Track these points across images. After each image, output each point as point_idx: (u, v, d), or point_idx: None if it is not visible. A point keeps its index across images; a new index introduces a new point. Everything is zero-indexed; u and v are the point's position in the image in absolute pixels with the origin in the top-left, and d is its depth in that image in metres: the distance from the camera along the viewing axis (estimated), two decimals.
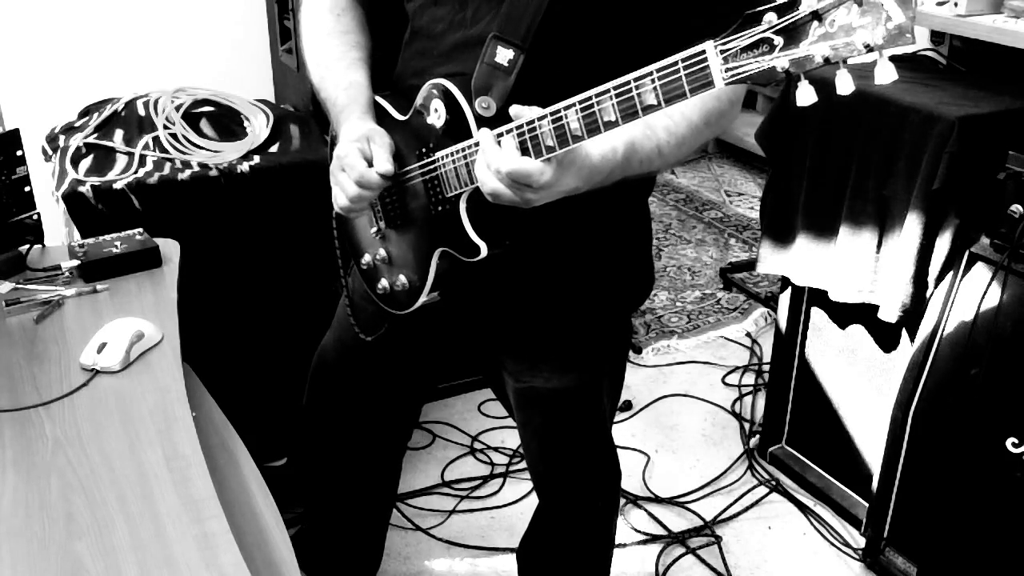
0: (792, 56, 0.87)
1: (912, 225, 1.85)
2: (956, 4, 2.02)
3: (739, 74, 0.90)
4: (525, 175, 1.06)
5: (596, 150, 1.11)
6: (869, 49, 0.84)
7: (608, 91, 1.00)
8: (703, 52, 0.92)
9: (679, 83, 0.94)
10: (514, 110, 1.09)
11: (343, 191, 1.28)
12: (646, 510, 2.33)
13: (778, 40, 0.87)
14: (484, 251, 1.21)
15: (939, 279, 1.86)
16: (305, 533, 1.83)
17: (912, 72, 2.10)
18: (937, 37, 2.29)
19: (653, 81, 0.96)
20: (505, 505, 2.35)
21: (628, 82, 0.99)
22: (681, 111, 1.18)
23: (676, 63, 0.94)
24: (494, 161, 1.08)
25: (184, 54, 3.06)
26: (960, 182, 1.78)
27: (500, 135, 1.10)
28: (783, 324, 2.34)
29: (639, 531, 2.27)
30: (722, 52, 0.90)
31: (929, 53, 2.25)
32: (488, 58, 1.19)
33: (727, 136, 4.59)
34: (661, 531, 2.27)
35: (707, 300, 3.37)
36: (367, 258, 1.43)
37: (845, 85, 0.88)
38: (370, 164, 1.25)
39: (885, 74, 0.86)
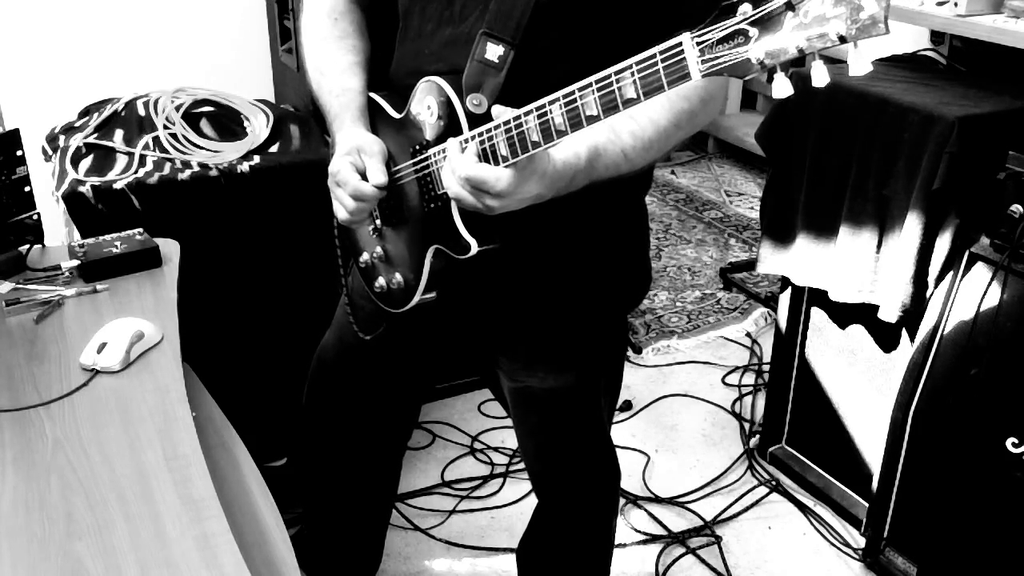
0: (767, 47, 0.87)
1: (912, 225, 1.85)
2: (956, 4, 2.02)
3: (715, 66, 0.90)
4: (481, 181, 1.09)
5: (559, 155, 1.13)
6: (843, 40, 0.84)
7: (590, 85, 1.01)
8: (680, 44, 0.92)
9: (657, 76, 0.94)
10: (495, 111, 1.10)
11: (342, 205, 1.30)
12: (646, 510, 2.33)
13: (753, 31, 0.87)
14: (474, 248, 1.22)
15: (939, 279, 1.86)
16: (305, 533, 1.83)
17: (912, 72, 2.10)
18: (937, 37, 2.29)
19: (633, 74, 0.97)
20: (505, 505, 2.35)
21: (609, 76, 0.99)
22: (648, 115, 1.18)
23: (654, 56, 0.95)
24: (457, 167, 1.11)
25: (184, 54, 3.07)
26: (960, 182, 1.78)
27: (466, 140, 1.13)
28: (783, 324, 2.35)
29: (639, 531, 2.27)
30: (698, 44, 0.90)
31: (929, 53, 2.25)
32: (479, 55, 1.20)
33: (727, 136, 4.59)
34: (661, 531, 2.27)
35: (707, 300, 3.37)
36: (365, 257, 1.43)
37: (820, 77, 0.88)
38: (364, 176, 1.27)
39: (859, 66, 0.86)
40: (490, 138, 1.11)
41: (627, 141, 1.18)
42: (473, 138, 1.12)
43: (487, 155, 1.12)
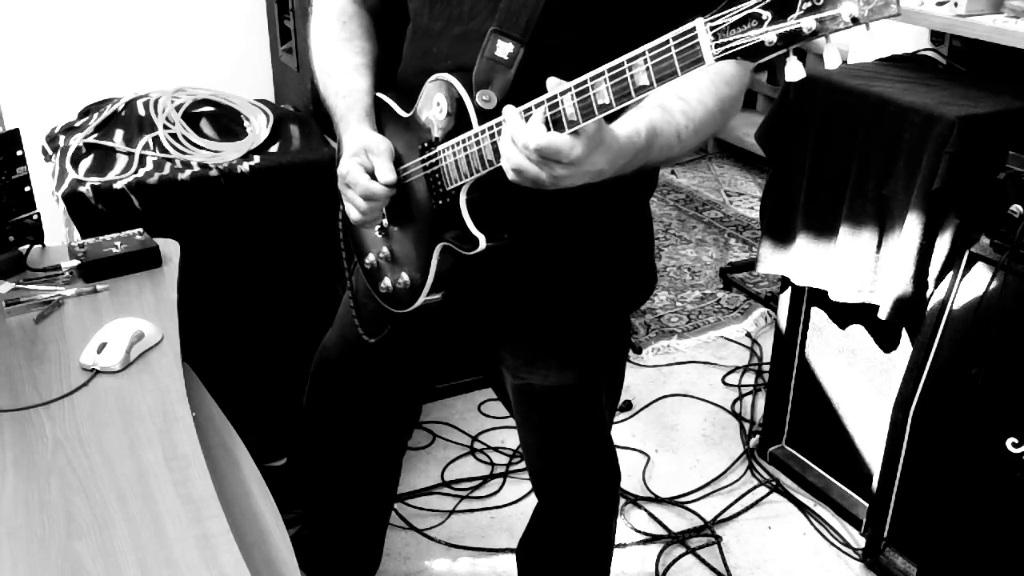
0: (779, 29, 0.87)
1: (912, 225, 1.85)
2: (956, 4, 2.02)
3: (729, 49, 0.90)
4: (555, 150, 1.04)
5: (621, 131, 1.11)
6: (855, 22, 0.84)
7: (602, 73, 1.00)
8: (693, 29, 0.92)
9: (670, 61, 0.95)
10: (507, 110, 1.09)
11: (354, 207, 1.31)
12: (646, 510, 2.33)
13: (766, 15, 0.88)
14: (483, 244, 1.22)
15: (939, 279, 1.86)
16: (304, 533, 1.83)
17: (912, 72, 2.10)
18: (937, 37, 2.29)
19: (645, 61, 0.97)
20: (505, 505, 2.35)
21: (622, 63, 0.99)
22: (697, 97, 1.18)
23: (667, 42, 0.95)
24: (521, 136, 1.06)
25: (184, 54, 3.07)
26: (960, 182, 1.78)
27: (527, 111, 1.08)
28: (783, 324, 2.34)
29: (639, 531, 2.27)
30: (712, 28, 0.91)
31: (929, 53, 2.25)
32: (488, 52, 1.20)
33: (727, 136, 4.59)
34: (661, 531, 2.27)
35: (707, 300, 3.37)
36: (371, 258, 1.43)
37: (832, 59, 0.88)
38: (373, 176, 1.28)
39: (867, 51, 0.86)
40: (551, 107, 1.06)
41: (680, 121, 1.17)
42: (539, 105, 1.07)
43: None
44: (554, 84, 1.05)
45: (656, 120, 1.14)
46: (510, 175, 1.09)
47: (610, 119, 1.07)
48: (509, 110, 1.09)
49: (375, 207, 1.30)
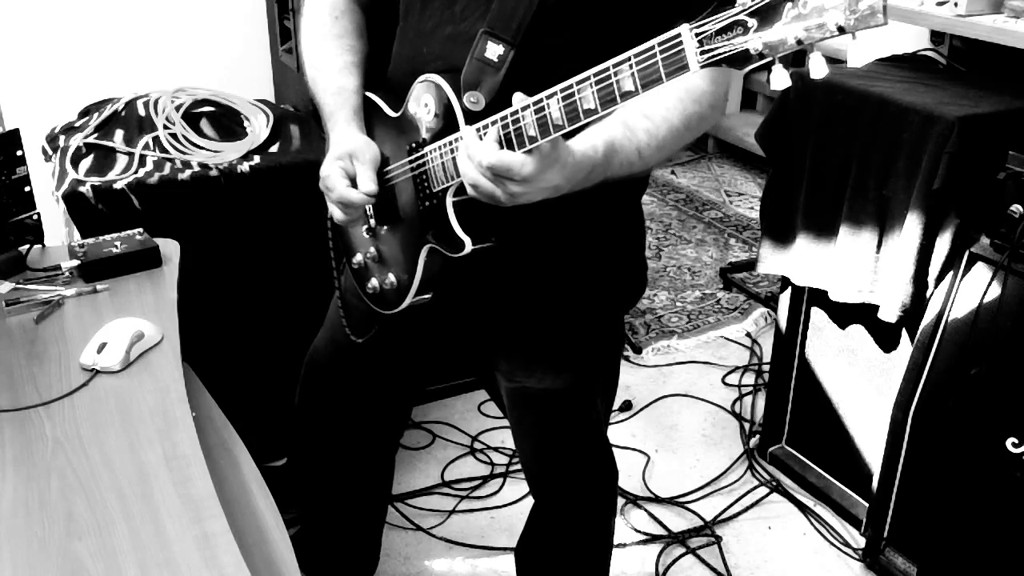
0: (765, 38, 0.87)
1: (912, 225, 1.85)
2: (956, 4, 2.02)
3: (713, 56, 0.90)
4: (506, 168, 1.07)
5: (578, 147, 1.12)
6: (842, 31, 0.84)
7: (588, 78, 1.01)
8: (678, 36, 0.92)
9: (655, 67, 0.94)
10: (464, 128, 1.11)
11: (335, 208, 1.32)
12: (646, 510, 2.33)
13: (752, 22, 0.87)
14: (468, 247, 1.21)
15: (939, 279, 1.86)
16: (302, 534, 1.83)
17: (912, 72, 2.10)
18: (937, 37, 2.29)
19: (631, 67, 0.96)
20: (505, 505, 2.35)
21: (607, 68, 0.99)
22: (662, 114, 1.19)
23: (653, 47, 0.95)
24: (476, 154, 1.09)
25: (184, 54, 3.07)
26: (960, 182, 1.78)
27: (484, 127, 1.11)
28: (783, 324, 2.34)
29: (639, 531, 2.27)
30: (697, 35, 0.90)
31: (929, 53, 2.25)
32: (478, 54, 1.20)
33: (727, 136, 4.59)
34: (661, 531, 2.27)
35: (707, 300, 3.37)
36: (359, 258, 1.43)
37: (818, 69, 0.88)
38: (354, 182, 1.28)
39: (859, 57, 0.86)
40: (505, 126, 1.09)
41: (642, 139, 1.18)
42: (495, 123, 1.10)
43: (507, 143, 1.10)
44: (519, 100, 1.07)
45: (616, 137, 1.15)
46: (470, 191, 1.12)
47: (568, 135, 1.08)
48: (466, 128, 1.12)
49: (352, 212, 1.30)
